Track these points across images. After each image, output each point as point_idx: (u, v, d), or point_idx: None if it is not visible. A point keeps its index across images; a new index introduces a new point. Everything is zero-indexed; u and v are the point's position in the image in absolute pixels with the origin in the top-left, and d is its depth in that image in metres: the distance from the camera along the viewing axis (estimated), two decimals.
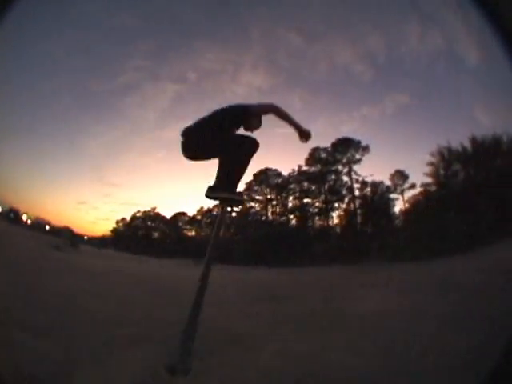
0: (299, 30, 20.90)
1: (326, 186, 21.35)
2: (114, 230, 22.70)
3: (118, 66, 22.23)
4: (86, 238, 21.25)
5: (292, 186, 22.10)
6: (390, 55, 19.72)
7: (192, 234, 23.78)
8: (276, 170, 22.09)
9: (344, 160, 20.43)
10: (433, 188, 17.26)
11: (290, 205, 21.87)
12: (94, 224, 21.58)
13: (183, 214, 23.72)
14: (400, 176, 20.14)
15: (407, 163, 23.76)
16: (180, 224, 23.78)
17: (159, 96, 24.06)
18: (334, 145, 20.82)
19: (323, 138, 20.07)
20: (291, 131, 2.33)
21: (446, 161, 16.65)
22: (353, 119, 24.33)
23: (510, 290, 4.00)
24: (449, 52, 17.59)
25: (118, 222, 22.95)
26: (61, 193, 22.36)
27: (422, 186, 17.86)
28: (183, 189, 25.66)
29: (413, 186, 18.94)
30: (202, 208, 23.90)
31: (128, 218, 23.00)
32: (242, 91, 21.60)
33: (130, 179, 24.74)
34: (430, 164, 16.99)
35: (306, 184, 21.62)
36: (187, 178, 22.99)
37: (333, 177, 21.07)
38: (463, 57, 19.33)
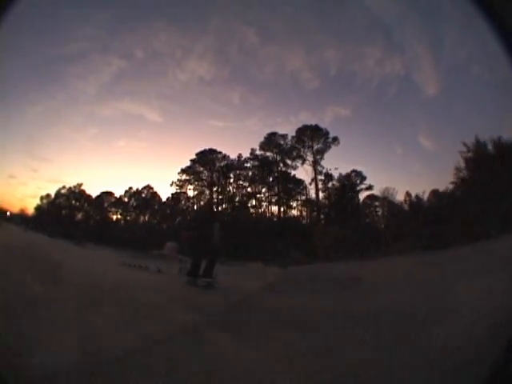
0: (259, 29, 20.75)
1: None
2: (38, 208, 21.96)
3: (71, 32, 19.09)
4: (8, 214, 20.68)
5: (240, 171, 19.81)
6: (342, 70, 19.17)
7: (117, 217, 22.50)
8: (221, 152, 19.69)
9: (307, 149, 18.10)
10: None
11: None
12: (22, 201, 20.80)
13: (110, 193, 22.19)
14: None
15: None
16: (106, 205, 22.53)
17: (103, 69, 21.68)
18: (298, 132, 18.44)
19: (255, 136, 19.63)
20: None
21: None
22: (288, 123, 22.93)
23: None
24: (404, 79, 17.21)
25: (42, 199, 22.00)
26: None
27: None
28: (112, 170, 24.16)
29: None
30: (130, 189, 22.29)
31: (53, 195, 22.08)
32: (184, 77, 21.14)
33: (60, 155, 23.36)
34: None
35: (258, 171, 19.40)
36: (117, 160, 21.72)
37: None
38: (418, 87, 18.75)
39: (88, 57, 20.92)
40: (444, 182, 14.87)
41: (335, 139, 17.91)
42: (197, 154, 19.66)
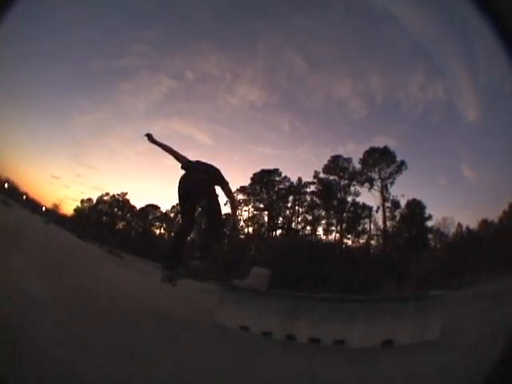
0: (306, 56, 20.61)
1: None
2: (77, 209, 20.28)
3: (122, 48, 20.40)
4: (24, 197, 18.88)
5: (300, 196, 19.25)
6: (387, 98, 19.01)
7: (161, 232, 20.81)
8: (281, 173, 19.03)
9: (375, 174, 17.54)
10: None
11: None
12: (62, 202, 19.53)
13: (155, 207, 20.99)
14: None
15: None
16: (150, 218, 21.01)
17: (153, 88, 22.25)
18: (365, 154, 17.98)
19: (304, 166, 19.52)
20: None
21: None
22: (337, 152, 22.52)
23: None
24: (447, 105, 17.07)
25: (83, 202, 20.55)
26: (37, 163, 20.81)
27: None
28: (158, 185, 23.79)
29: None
30: (177, 205, 21.18)
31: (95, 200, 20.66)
32: (234, 102, 21.03)
33: (106, 164, 22.99)
34: None
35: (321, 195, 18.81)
36: (163, 178, 20.44)
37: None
38: (461, 113, 18.71)
39: (139, 74, 22.02)
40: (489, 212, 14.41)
41: (403, 163, 17.89)
42: (257, 174, 19.35)
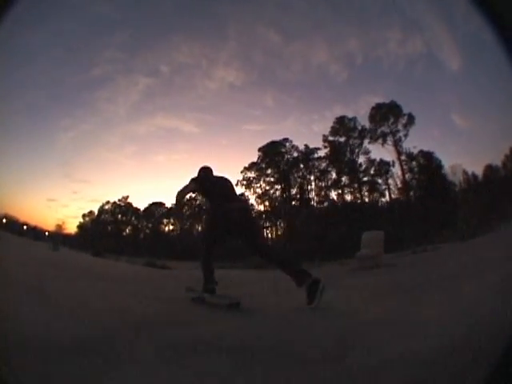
0: (278, 29, 20.63)
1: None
2: (80, 226, 19.15)
3: (92, 58, 19.63)
4: (47, 234, 18.04)
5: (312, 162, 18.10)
6: (367, 57, 18.60)
7: (171, 228, 20.00)
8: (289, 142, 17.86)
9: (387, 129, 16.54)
10: None
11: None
12: (64, 223, 18.67)
13: (160, 204, 19.90)
14: None
15: None
16: (156, 217, 20.05)
17: (130, 89, 22.07)
18: (373, 110, 17.00)
19: (294, 136, 18.37)
20: None
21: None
22: (325, 119, 22.16)
23: None
24: (428, 57, 16.50)
25: (84, 216, 19.37)
26: (31, 190, 20.33)
27: None
28: (155, 184, 23.49)
29: None
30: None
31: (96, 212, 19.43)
32: (214, 86, 20.92)
33: (99, 175, 22.81)
34: None
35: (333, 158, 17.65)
36: (159, 174, 22.11)
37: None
38: (443, 62, 18.45)
39: (113, 79, 21.81)
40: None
41: (411, 117, 16.85)
42: (262, 148, 18.09)
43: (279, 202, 17.53)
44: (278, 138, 17.95)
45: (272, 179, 18.01)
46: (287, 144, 17.63)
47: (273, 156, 17.73)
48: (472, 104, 15.57)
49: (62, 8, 15.89)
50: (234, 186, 3.72)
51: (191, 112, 21.46)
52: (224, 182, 3.66)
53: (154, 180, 23.14)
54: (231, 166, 18.34)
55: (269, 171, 17.94)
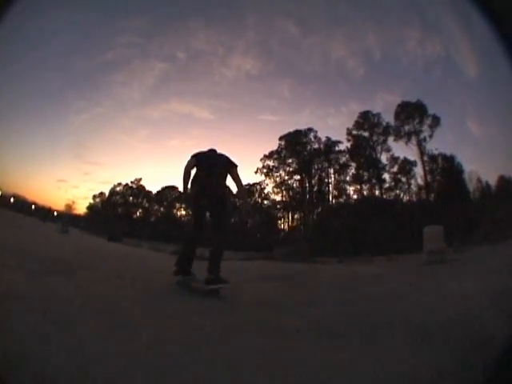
0: (298, 21, 20.69)
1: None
2: (90, 207, 18.38)
3: (107, 42, 20.49)
4: (33, 207, 17.27)
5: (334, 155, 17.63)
6: (386, 54, 18.50)
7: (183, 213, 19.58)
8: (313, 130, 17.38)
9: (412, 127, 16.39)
10: None
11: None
12: (74, 203, 18.07)
13: (173, 188, 19.31)
14: None
15: None
16: (169, 201, 19.48)
17: (146, 74, 22.64)
18: (398, 108, 16.81)
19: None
20: None
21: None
22: (340, 114, 23.13)
23: None
24: (447, 60, 16.34)
25: (95, 197, 18.57)
26: (42, 170, 20.12)
27: None
28: (167, 169, 23.08)
29: None
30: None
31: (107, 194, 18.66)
32: (230, 74, 20.81)
33: (111, 158, 22.82)
34: None
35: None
36: (171, 159, 20.32)
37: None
38: (461, 67, 18.82)
39: (129, 63, 22.36)
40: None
41: (436, 118, 16.80)
42: (284, 136, 17.68)
43: (303, 194, 17.40)
44: (292, 129, 17.66)
45: (292, 169, 17.77)
46: (311, 134, 17.29)
47: (295, 145, 17.39)
48: (488, 111, 15.55)
49: None
50: (228, 166, 3.58)
51: (206, 99, 21.90)
52: (215, 159, 3.58)
53: (166, 164, 22.48)
54: (245, 154, 17.96)
55: (289, 160, 17.64)
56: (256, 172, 17.70)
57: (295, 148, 17.34)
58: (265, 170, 17.72)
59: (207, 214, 3.53)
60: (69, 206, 17.29)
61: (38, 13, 14.96)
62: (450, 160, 16.68)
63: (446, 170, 16.65)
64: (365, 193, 16.86)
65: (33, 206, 16.75)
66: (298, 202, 17.13)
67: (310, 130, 17.12)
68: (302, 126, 17.61)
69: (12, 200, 16.59)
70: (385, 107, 20.90)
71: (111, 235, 14.95)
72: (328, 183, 17.56)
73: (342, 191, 17.16)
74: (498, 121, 14.87)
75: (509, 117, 12.94)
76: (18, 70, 16.12)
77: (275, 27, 19.80)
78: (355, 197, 16.93)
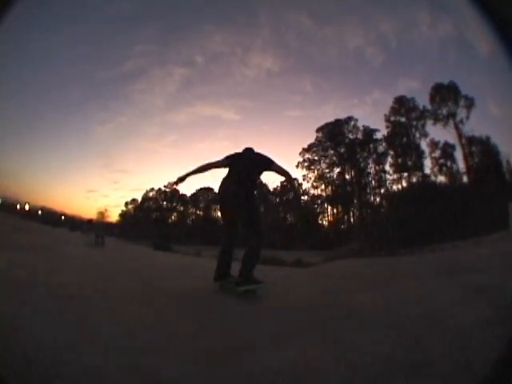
0: (310, 13, 19.46)
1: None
2: (123, 214, 17.30)
3: (123, 52, 19.16)
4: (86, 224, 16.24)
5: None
6: (401, 40, 17.98)
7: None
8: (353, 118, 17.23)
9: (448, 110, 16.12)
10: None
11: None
12: (106, 211, 17.42)
13: (209, 189, 18.51)
14: None
15: None
16: (205, 203, 18.66)
17: (166, 80, 21.38)
18: (432, 91, 16.56)
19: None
20: None
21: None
22: (365, 103, 21.69)
23: None
24: (460, 40, 15.36)
25: (127, 204, 17.51)
26: (70, 182, 19.48)
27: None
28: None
29: None
30: None
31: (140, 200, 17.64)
32: (251, 74, 20.11)
33: (139, 165, 22.23)
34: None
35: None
36: (201, 162, 19.85)
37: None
38: (474, 45, 16.52)
39: (147, 72, 21.53)
40: None
41: (470, 98, 16.97)
42: (323, 128, 17.38)
43: (351, 187, 17.08)
44: (319, 123, 17.52)
45: (333, 160, 17.45)
46: (352, 123, 17.05)
47: (335, 136, 17.09)
48: (506, 89, 16.18)
49: (85, 7, 15.92)
50: (264, 164, 3.48)
51: (230, 99, 21.42)
52: (247, 160, 3.48)
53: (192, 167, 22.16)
54: (275, 152, 17.54)
55: (331, 152, 17.33)
56: (297, 166, 17.27)
57: (336, 138, 17.05)
58: (306, 164, 17.31)
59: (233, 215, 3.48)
60: (101, 214, 16.20)
61: (49, 26, 15.49)
62: (486, 142, 16.89)
63: (485, 151, 16.85)
64: (414, 179, 16.78)
65: (62, 217, 15.70)
66: (347, 195, 16.82)
67: (350, 118, 16.88)
68: (330, 119, 17.49)
69: (40, 213, 15.55)
70: (408, 94, 21.14)
71: (157, 244, 13.99)
72: (374, 173, 17.37)
73: (387, 181, 17.00)
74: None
75: None
76: (34, 83, 16.29)
77: (289, 21, 19.89)
78: (405, 185, 16.79)
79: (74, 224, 15.31)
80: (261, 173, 3.47)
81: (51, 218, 15.04)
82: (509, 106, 16.42)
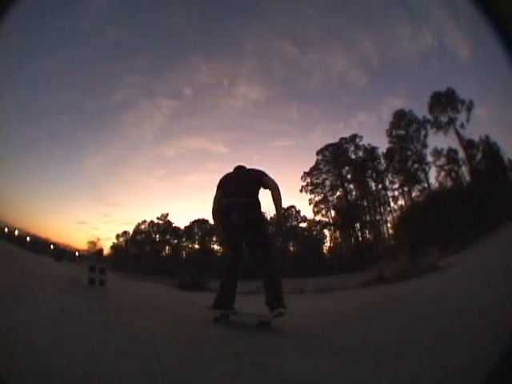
0: (293, 40, 21.00)
1: None
2: (114, 246, 16.51)
3: (112, 83, 20.65)
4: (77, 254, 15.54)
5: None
6: (384, 58, 18.61)
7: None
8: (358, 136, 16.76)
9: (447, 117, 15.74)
10: None
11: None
12: (95, 244, 16.85)
13: (203, 221, 17.58)
14: None
15: None
16: (200, 235, 17.51)
17: (155, 113, 22.51)
18: (431, 100, 16.46)
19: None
20: None
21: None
22: (350, 127, 22.48)
23: None
24: (440, 48, 16.94)
25: (118, 237, 16.88)
26: (61, 213, 20.36)
27: None
28: (186, 204, 22.74)
29: None
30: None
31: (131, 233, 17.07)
32: (238, 105, 20.66)
33: (129, 198, 22.74)
34: None
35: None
36: (189, 196, 21.80)
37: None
38: (455, 52, 18.71)
39: (136, 103, 22.29)
40: None
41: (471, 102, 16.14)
42: (324, 150, 17.04)
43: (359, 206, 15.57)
44: (307, 150, 17.51)
45: (338, 182, 16.42)
46: (357, 140, 16.56)
47: (338, 156, 16.46)
48: (488, 92, 15.16)
49: (75, 37, 16.87)
50: (255, 178, 3.09)
51: (218, 132, 21.96)
52: (238, 177, 3.14)
53: (185, 200, 22.14)
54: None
55: (336, 172, 16.45)
56: (301, 191, 16.46)
57: (339, 159, 16.40)
58: (309, 188, 16.43)
59: (240, 240, 3.05)
60: (93, 244, 15.57)
61: (39, 53, 16.03)
62: (489, 144, 15.43)
63: (487, 152, 15.19)
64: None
65: (51, 246, 15.18)
66: (356, 215, 15.23)
67: (354, 136, 16.52)
68: (317, 146, 17.23)
69: (28, 239, 15.19)
70: (391, 113, 20.21)
71: (186, 282, 9.67)
72: (381, 189, 15.92)
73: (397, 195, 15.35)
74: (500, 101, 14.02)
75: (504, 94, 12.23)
76: (27, 116, 16.69)
77: (273, 49, 20.33)
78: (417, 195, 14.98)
79: (61, 253, 14.65)
80: (258, 186, 3.07)
81: (38, 246, 14.56)
82: (505, 105, 15.43)
